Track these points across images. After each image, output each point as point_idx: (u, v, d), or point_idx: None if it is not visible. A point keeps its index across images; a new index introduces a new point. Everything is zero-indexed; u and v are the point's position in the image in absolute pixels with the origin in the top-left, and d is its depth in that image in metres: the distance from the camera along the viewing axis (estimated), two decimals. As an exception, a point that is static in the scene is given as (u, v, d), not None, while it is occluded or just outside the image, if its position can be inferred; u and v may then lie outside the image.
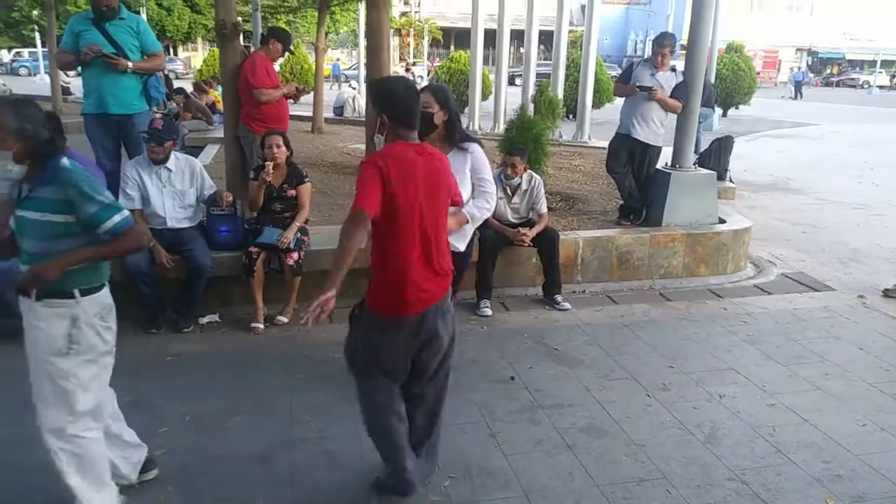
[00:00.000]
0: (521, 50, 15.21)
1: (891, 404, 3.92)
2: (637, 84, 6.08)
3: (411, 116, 2.67)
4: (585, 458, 3.32)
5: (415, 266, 2.62)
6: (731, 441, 3.50)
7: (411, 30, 48.76)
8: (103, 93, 5.03)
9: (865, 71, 52.29)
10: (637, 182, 6.35)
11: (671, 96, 6.02)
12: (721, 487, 3.12)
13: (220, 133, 8.49)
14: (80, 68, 5.11)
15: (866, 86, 45.97)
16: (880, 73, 47.37)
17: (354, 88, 17.92)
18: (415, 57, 45.02)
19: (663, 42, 6.12)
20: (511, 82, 16.47)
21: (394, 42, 49.84)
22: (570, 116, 16.16)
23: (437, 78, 19.97)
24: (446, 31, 50.99)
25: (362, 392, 2.83)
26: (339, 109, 15.54)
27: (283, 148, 4.76)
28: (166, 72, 13.38)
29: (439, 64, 24.07)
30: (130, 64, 5.01)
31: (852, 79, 49.18)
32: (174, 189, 4.65)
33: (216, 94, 12.18)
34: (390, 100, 2.66)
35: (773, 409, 3.82)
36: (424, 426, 2.98)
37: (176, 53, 42.90)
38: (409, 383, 2.86)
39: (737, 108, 20.23)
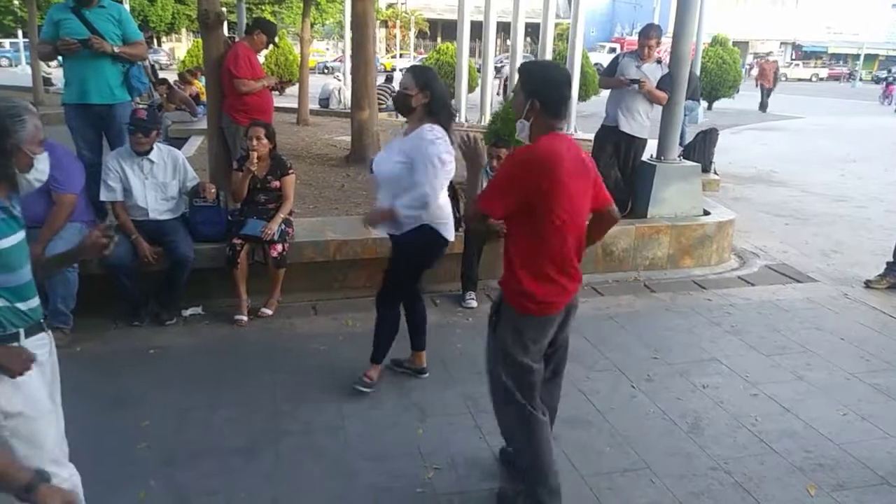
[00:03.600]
0: (508, 42, 15.18)
1: (871, 394, 3.96)
2: (622, 76, 6.09)
3: (563, 105, 2.61)
4: (570, 448, 3.33)
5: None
6: (714, 431, 3.52)
7: (398, 21, 48.55)
8: (84, 82, 4.95)
9: (849, 65, 52.69)
10: (622, 174, 6.36)
11: (657, 88, 6.03)
12: (704, 477, 3.14)
13: (203, 124, 8.42)
14: (60, 59, 5.03)
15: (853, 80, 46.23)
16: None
17: (340, 80, 17.82)
18: (401, 49, 44.85)
19: (649, 34, 6.12)
20: (498, 73, 16.44)
21: (380, 34, 49.62)
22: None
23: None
24: (433, 23, 50.89)
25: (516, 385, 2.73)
26: (324, 101, 15.46)
27: (266, 140, 4.72)
28: (151, 62, 13.25)
29: (426, 56, 23.97)
30: (115, 48, 4.94)
31: (851, 74, 49.06)
32: (156, 181, 4.59)
33: (200, 85, 12.06)
34: (546, 85, 2.58)
35: (756, 399, 3.85)
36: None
37: (160, 44, 42.47)
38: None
39: (733, 97, 20.39)
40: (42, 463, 2.01)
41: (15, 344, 2.07)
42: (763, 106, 22.08)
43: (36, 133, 2.11)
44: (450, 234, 3.65)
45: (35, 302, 2.14)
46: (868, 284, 5.75)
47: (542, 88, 2.57)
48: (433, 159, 3.36)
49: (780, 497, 3.03)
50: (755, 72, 27.28)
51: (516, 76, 2.77)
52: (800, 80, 47.48)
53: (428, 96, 3.45)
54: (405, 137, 3.52)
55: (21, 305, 2.09)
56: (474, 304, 5.04)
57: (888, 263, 5.79)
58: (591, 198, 2.69)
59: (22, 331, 2.10)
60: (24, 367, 2.00)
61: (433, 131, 3.41)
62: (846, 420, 3.68)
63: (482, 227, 2.65)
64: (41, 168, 2.16)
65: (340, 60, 26.03)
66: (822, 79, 50.12)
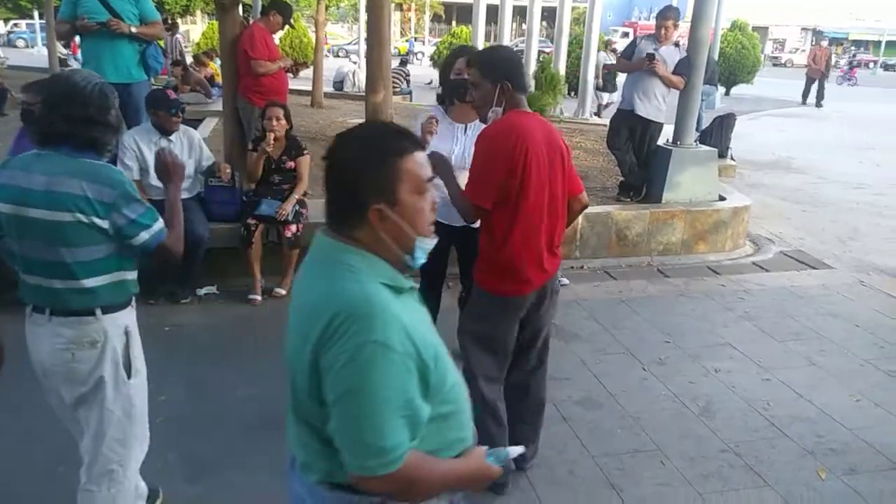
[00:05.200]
0: (524, 26, 15.06)
1: (885, 380, 3.95)
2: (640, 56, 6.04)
3: (526, 80, 2.65)
4: (580, 429, 3.35)
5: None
6: (726, 415, 3.53)
7: (412, 4, 48.25)
8: (101, 61, 4.98)
9: (871, 52, 51.74)
10: (638, 158, 6.33)
11: (674, 72, 5.97)
12: (714, 459, 3.15)
13: (218, 106, 8.42)
14: (78, 38, 5.06)
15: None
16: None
17: (355, 63, 17.78)
18: (416, 32, 44.64)
19: (667, 15, 6.06)
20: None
21: (395, 17, 49.40)
22: (572, 94, 16.06)
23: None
24: (448, 6, 50.50)
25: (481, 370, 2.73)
26: (338, 84, 15.44)
27: (284, 121, 4.73)
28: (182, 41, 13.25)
29: (440, 40, 23.83)
30: (133, 28, 4.97)
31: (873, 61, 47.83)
32: (173, 160, 4.62)
33: (215, 66, 12.08)
34: (511, 67, 2.60)
35: (768, 384, 3.85)
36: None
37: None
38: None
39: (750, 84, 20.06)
40: None
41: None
42: (819, 97, 19.10)
43: None
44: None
45: None
46: None
47: (508, 71, 2.57)
48: None
49: (791, 480, 3.03)
50: (793, 57, 25.35)
51: (532, 63, 2.77)
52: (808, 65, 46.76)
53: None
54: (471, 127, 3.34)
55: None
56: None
57: None
58: (566, 178, 2.67)
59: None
60: None
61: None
62: (859, 406, 3.67)
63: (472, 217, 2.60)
64: None
65: (356, 43, 25.98)
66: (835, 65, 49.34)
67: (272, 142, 4.62)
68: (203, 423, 3.29)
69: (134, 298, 2.27)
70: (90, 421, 2.20)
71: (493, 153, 2.50)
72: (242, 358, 3.93)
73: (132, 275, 2.23)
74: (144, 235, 2.10)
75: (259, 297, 4.65)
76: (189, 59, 13.50)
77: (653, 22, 6.57)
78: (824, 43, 21.31)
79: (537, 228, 2.58)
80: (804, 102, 19.39)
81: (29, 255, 2.06)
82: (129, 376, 2.22)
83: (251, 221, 4.64)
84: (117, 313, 2.16)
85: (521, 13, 14.33)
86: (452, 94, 3.41)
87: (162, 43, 7.75)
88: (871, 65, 45.62)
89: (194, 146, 4.72)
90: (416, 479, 1.33)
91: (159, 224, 2.15)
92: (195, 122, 9.16)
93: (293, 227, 4.66)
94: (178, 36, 14.58)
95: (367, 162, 1.35)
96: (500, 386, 2.81)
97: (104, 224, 2.03)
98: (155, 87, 5.76)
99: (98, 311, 2.10)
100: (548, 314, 2.81)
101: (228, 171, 4.78)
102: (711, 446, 3.25)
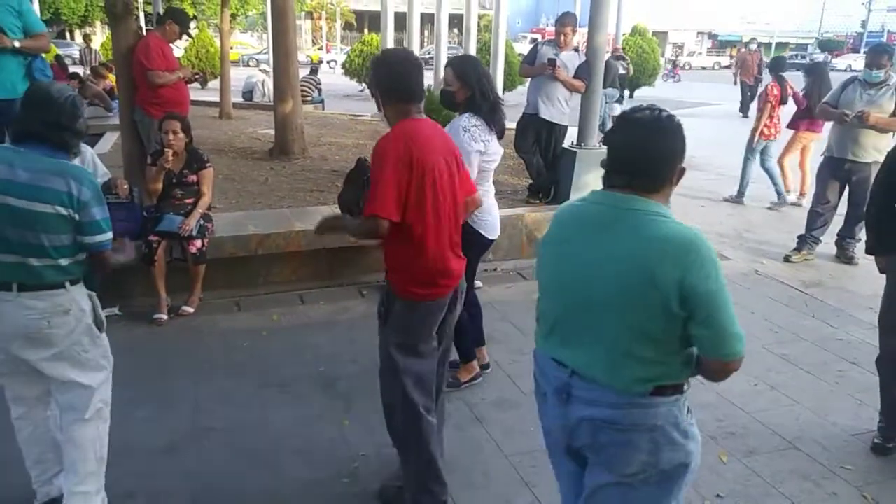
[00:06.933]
0: (433, 33, 15.18)
1: (780, 364, 4.18)
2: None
3: (413, 88, 2.55)
4: (495, 430, 3.39)
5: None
6: (633, 406, 3.64)
7: (323, 13, 47.87)
8: (-17, 77, 4.70)
9: (762, 52, 54.72)
10: (545, 161, 6.47)
11: (574, 76, 6.15)
12: (623, 450, 3.24)
13: (118, 119, 8.11)
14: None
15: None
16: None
17: (265, 72, 17.44)
18: (328, 40, 44.26)
19: (565, 22, 6.23)
20: (426, 64, 16.36)
21: (306, 25, 48.86)
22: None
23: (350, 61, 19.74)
24: (359, 14, 50.37)
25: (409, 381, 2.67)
26: (248, 94, 15.10)
27: (182, 134, 4.59)
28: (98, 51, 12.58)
29: (351, 48, 23.70)
30: (17, 43, 4.70)
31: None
32: (65, 177, 4.41)
33: (114, 78, 11.60)
34: (389, 75, 2.55)
35: (673, 374, 3.99)
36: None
37: (72, 37, 40.54)
38: None
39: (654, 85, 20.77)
40: None
41: None
42: (744, 106, 17.03)
43: None
44: (491, 232, 3.62)
45: None
46: (786, 259, 6.06)
47: (386, 78, 2.55)
48: (465, 147, 3.23)
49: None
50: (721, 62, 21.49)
51: (442, 69, 2.79)
52: (703, 67, 49.12)
53: (470, 90, 3.37)
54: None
55: None
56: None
57: (799, 237, 6.13)
58: (459, 179, 2.67)
59: None
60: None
61: (468, 119, 3.37)
62: (756, 390, 3.86)
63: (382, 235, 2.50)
64: None
65: (266, 52, 25.52)
66: (725, 66, 51.94)
67: (170, 158, 4.46)
68: (108, 448, 3.13)
69: None
70: (66, 374, 2.56)
71: (387, 163, 2.44)
72: (147, 379, 3.77)
73: None
74: (98, 238, 2.46)
75: (165, 316, 4.49)
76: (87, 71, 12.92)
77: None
78: (753, 46, 19.73)
79: (447, 232, 2.60)
80: (745, 115, 16.67)
81: (8, 237, 2.35)
82: (100, 330, 2.63)
83: (153, 238, 4.47)
84: (80, 283, 2.53)
85: (430, 20, 14.43)
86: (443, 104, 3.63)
87: (49, 57, 7.37)
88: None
89: (87, 163, 4.49)
90: None
91: (109, 234, 2.50)
92: (96, 137, 8.80)
93: (198, 243, 4.53)
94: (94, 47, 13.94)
95: (681, 143, 1.92)
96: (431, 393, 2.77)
97: (77, 217, 2.39)
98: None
99: (67, 284, 2.46)
100: (456, 312, 2.84)
101: (126, 186, 4.58)
102: (620, 438, 3.35)
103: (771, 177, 8.16)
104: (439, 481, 2.74)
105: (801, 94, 7.90)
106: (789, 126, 8.16)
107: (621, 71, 13.03)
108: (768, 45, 52.34)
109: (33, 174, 2.34)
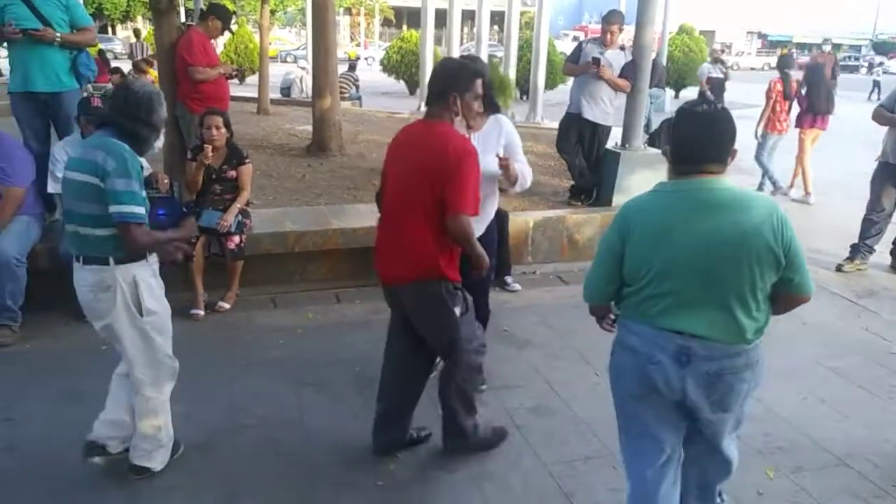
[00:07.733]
0: (474, 30, 15.09)
1: (830, 377, 4.01)
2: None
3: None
4: (533, 437, 3.31)
5: None
6: (677, 417, 3.52)
7: (362, 9, 48.08)
8: (29, 69, 4.75)
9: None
10: (587, 162, 6.34)
11: (620, 76, 6.01)
12: (666, 463, 3.13)
13: (160, 114, 8.18)
14: (5, 45, 4.82)
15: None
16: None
17: (303, 68, 17.55)
18: (366, 37, 44.44)
19: (611, 20, 6.10)
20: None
21: (344, 21, 49.13)
22: (523, 97, 16.17)
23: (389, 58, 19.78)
24: (398, 11, 50.44)
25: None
26: (285, 90, 15.21)
27: (223, 129, 4.59)
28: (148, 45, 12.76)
29: (389, 44, 23.71)
30: (59, 36, 4.75)
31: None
32: (107, 171, 4.46)
33: (155, 73, 11.75)
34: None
35: (718, 385, 3.86)
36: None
37: (114, 32, 41.38)
38: None
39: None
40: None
41: None
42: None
43: None
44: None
45: None
46: (839, 268, 5.84)
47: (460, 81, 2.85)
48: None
49: (739, 480, 3.01)
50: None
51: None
52: (752, 68, 48.08)
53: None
54: (479, 133, 3.47)
55: None
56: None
57: (852, 246, 5.90)
58: (431, 189, 2.75)
59: None
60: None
61: (503, 117, 3.61)
62: (806, 404, 3.72)
63: None
64: None
65: (304, 48, 25.70)
66: (773, 68, 50.72)
67: (210, 153, 4.46)
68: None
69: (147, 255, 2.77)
70: (118, 346, 2.81)
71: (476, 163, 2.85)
72: (183, 375, 3.74)
73: None
74: (118, 208, 2.56)
75: (202, 312, 4.50)
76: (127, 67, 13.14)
77: (602, 26, 6.58)
78: (827, 48, 19.18)
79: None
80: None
81: (70, 208, 2.67)
82: (141, 314, 2.72)
83: (192, 233, 4.48)
84: (127, 264, 2.67)
85: (470, 17, 14.35)
86: None
87: (94, 50, 7.48)
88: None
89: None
90: None
91: (134, 209, 2.58)
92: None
93: (236, 239, 4.52)
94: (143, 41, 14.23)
95: (734, 128, 2.22)
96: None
97: (102, 185, 2.56)
98: (95, 93, 5.55)
99: (111, 260, 2.64)
100: None
101: (167, 181, 4.58)
102: (663, 450, 3.24)
103: (765, 170, 8.69)
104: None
105: (802, 94, 8.32)
106: (796, 125, 8.51)
107: (719, 75, 12.59)
108: (819, 46, 51.10)
109: (84, 150, 2.67)
